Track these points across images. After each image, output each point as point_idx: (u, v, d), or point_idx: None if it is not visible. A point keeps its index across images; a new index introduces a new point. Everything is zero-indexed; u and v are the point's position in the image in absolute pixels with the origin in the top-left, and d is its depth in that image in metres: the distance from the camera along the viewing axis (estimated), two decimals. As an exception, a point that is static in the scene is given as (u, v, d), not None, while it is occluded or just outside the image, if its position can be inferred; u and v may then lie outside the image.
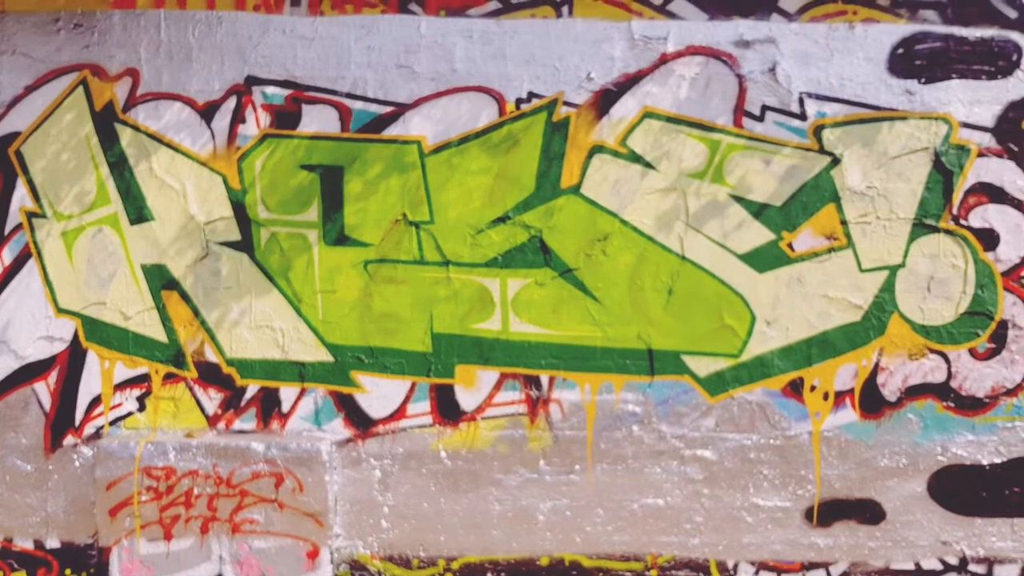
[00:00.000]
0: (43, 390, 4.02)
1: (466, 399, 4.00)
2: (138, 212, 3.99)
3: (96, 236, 4.00)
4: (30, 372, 4.01)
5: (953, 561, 3.92)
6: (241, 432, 3.99)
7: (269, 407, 4.00)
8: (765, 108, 3.92)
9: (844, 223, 3.91)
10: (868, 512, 3.95)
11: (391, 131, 3.97)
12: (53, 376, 4.01)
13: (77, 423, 4.02)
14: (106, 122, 3.98)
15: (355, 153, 3.97)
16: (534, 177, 3.95)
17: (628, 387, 3.97)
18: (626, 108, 3.93)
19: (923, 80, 3.89)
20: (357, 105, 3.97)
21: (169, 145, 3.98)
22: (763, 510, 3.97)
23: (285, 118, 3.96)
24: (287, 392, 4.01)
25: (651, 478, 3.98)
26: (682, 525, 3.98)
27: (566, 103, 3.94)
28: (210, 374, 4.01)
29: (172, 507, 3.89)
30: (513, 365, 3.99)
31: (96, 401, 4.02)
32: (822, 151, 3.91)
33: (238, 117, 3.97)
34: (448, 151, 3.96)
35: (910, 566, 3.95)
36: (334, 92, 3.96)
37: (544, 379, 3.98)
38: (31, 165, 3.98)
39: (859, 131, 3.91)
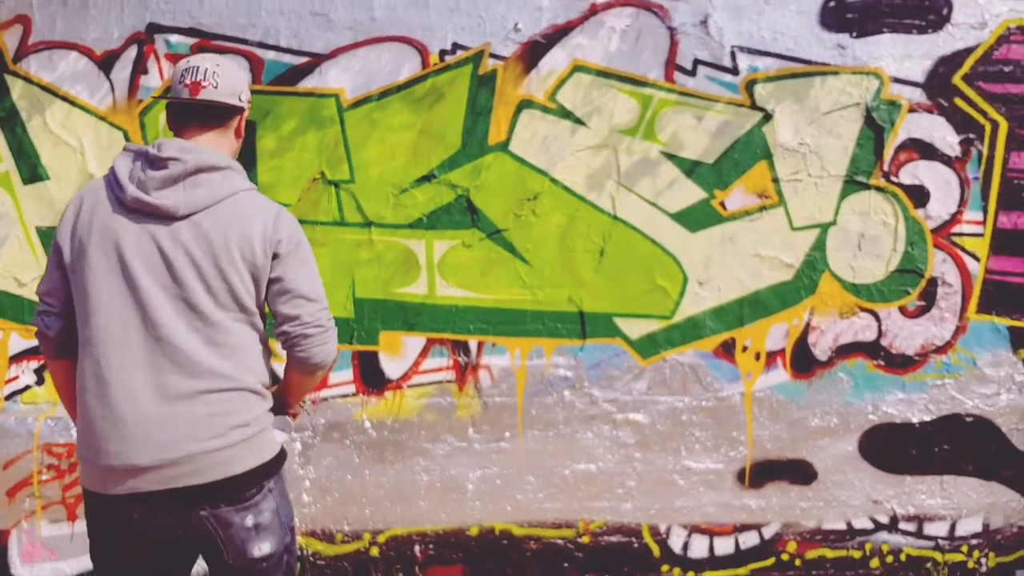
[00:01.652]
0: (-71, 364, 3.88)
1: (391, 367, 3.98)
2: (31, 171, 3.84)
3: (-15, 197, 3.85)
4: (-86, 345, 3.86)
5: (884, 520, 4.07)
6: (150, 405, 3.90)
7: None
8: (697, 62, 3.95)
9: (776, 181, 3.97)
10: (800, 472, 4.07)
11: (306, 83, 3.88)
12: (-60, 349, 3.87)
13: (-31, 399, 3.89)
14: (-7, 73, 3.82)
15: (268, 107, 3.87)
16: (460, 133, 3.92)
17: (559, 351, 4.00)
18: (555, 61, 3.92)
19: (855, 34, 3.97)
20: (269, 55, 3.86)
21: (65, 98, 3.82)
22: (695, 473, 4.05)
23: (192, 69, 3.85)
24: (199, 362, 3.93)
25: (583, 443, 4.02)
26: (614, 490, 4.04)
27: (492, 55, 3.90)
28: (115, 344, 3.91)
29: (75, 486, 3.78)
30: (440, 331, 3.97)
31: (-11, 375, 3.90)
32: (754, 107, 3.96)
33: (139, 68, 3.83)
34: (368, 105, 3.89)
35: (842, 526, 4.08)
36: (244, 41, 3.85)
37: (472, 344, 3.98)
38: (-91, 119, 3.81)
39: (791, 86, 3.98)
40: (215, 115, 2.28)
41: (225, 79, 2.30)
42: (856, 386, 4.04)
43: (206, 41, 3.82)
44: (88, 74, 3.82)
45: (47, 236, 3.84)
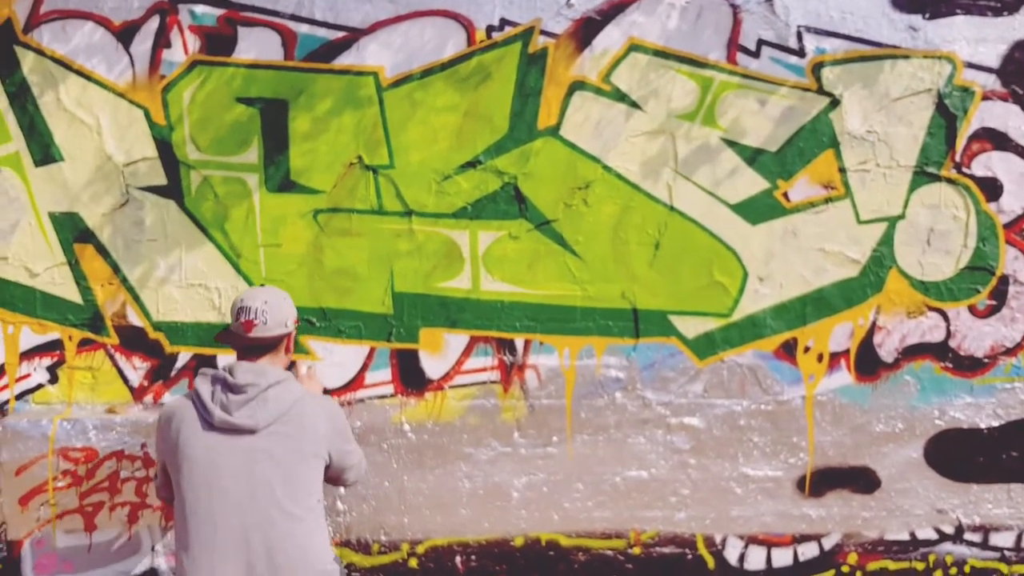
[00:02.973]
0: (-69, 361, 3.68)
1: (432, 366, 3.82)
2: (44, 151, 3.64)
3: (-7, 179, 3.65)
4: (-85, 340, 3.67)
5: (949, 530, 3.98)
6: (172, 406, 3.74)
7: (205, 377, 3.75)
8: (761, 43, 3.81)
9: (842, 171, 3.86)
10: (862, 480, 3.97)
11: (343, 60, 3.70)
12: (-57, 344, 3.67)
13: (-25, 399, 3.70)
14: (3, 44, 3.58)
15: (301, 85, 3.69)
16: (507, 116, 3.76)
17: (611, 350, 3.86)
18: (610, 39, 3.76)
19: (927, 15, 3.83)
20: (303, 29, 3.68)
21: (80, 72, 3.62)
22: (753, 480, 3.94)
23: (218, 42, 3.64)
24: (225, 359, 3.75)
25: (635, 449, 3.89)
26: (667, 498, 3.92)
27: (543, 32, 3.73)
28: (134, 340, 3.71)
29: (94, 493, 3.61)
30: (484, 328, 3.82)
31: (-2, 373, 3.71)
32: (820, 91, 3.83)
33: (162, 40, 3.64)
34: (410, 84, 3.72)
35: (905, 536, 3.99)
36: (275, 13, 3.65)
37: (519, 343, 3.83)
38: (-90, 94, 3.60)
39: (859, 70, 3.84)
40: (268, 344, 2.85)
41: (273, 315, 2.85)
42: (923, 389, 3.93)
43: (234, 12, 3.64)
44: (105, 46, 3.62)
45: (62, 223, 3.65)
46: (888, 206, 3.87)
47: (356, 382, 3.78)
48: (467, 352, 3.82)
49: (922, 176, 3.86)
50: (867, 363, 3.92)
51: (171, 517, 3.62)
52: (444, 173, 3.74)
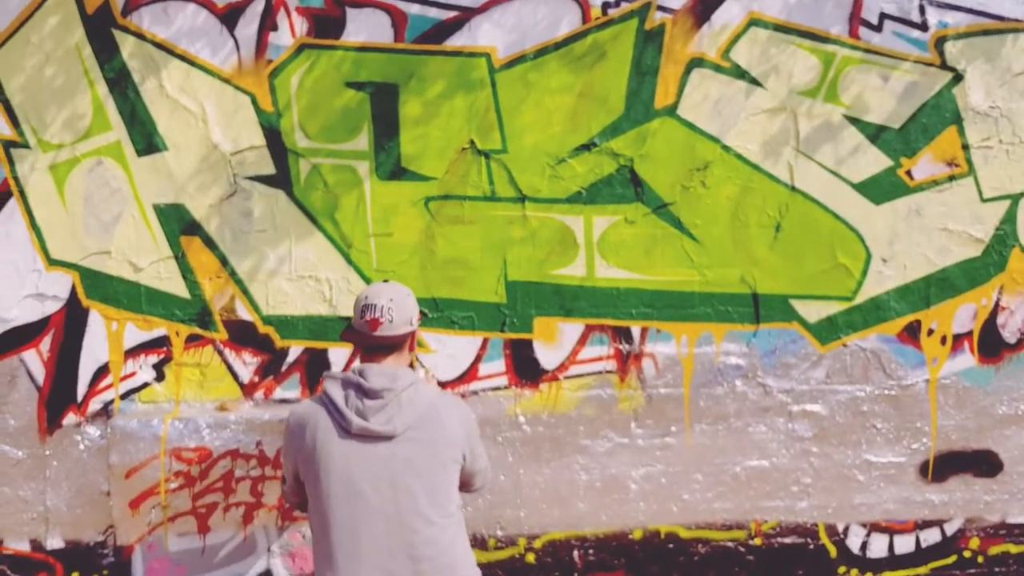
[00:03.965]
0: (34, 360, 3.59)
1: (547, 356, 3.79)
2: (147, 140, 3.57)
3: (95, 170, 3.55)
4: (17, 339, 3.56)
5: (1073, 513, 4.02)
6: (284, 402, 3.70)
7: (316, 371, 3.70)
8: (883, 16, 3.77)
9: (965, 148, 3.83)
10: (984, 464, 3.97)
11: (454, 41, 3.63)
12: (46, 342, 3.58)
13: (80, 398, 3.63)
14: (102, 28, 3.51)
15: (412, 67, 3.64)
16: (623, 96, 3.71)
17: (730, 337, 3.84)
18: (729, 14, 3.71)
19: (1052, -14, 3.82)
20: (413, 9, 3.61)
21: (183, 57, 3.55)
22: (876, 467, 3.93)
23: (326, 24, 3.58)
24: (337, 353, 3.70)
25: (755, 438, 3.88)
26: (789, 488, 3.91)
27: (660, 8, 3.68)
28: (243, 334, 3.66)
29: (207, 494, 3.58)
30: (600, 316, 3.79)
31: (102, 371, 3.62)
32: (943, 66, 3.80)
33: (268, 23, 3.57)
34: (523, 65, 3.66)
35: (1026, 520, 4.03)
36: (386, -8, 3.62)
37: (635, 331, 3.81)
38: (6, 82, 3.47)
39: (982, 44, 3.80)
40: (394, 343, 2.77)
41: (399, 312, 2.77)
42: (1045, 370, 3.95)
43: (343, -8, 3.58)
44: (209, 29, 3.55)
45: (167, 215, 3.59)
46: (1011, 183, 3.85)
47: (470, 374, 3.76)
48: (582, 341, 3.80)
49: (1045, 152, 3.84)
50: (990, 344, 3.91)
51: (288, 517, 3.61)
52: (558, 156, 3.70)
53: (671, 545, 3.89)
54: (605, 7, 3.66)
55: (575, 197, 3.73)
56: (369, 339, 2.76)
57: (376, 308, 2.76)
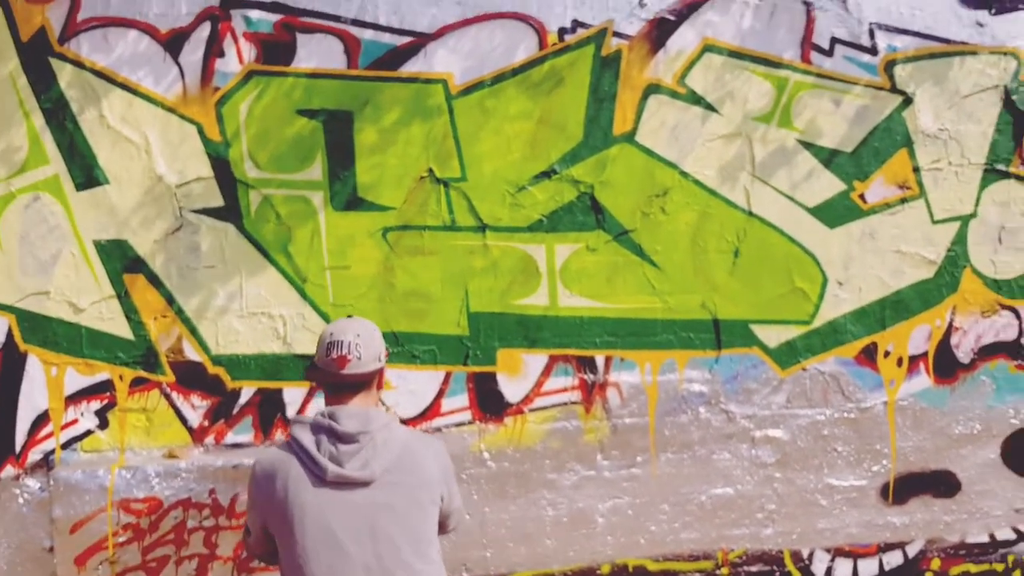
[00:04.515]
0: (-34, 409, 3.54)
1: (510, 389, 3.85)
2: (87, 174, 3.52)
3: (31, 206, 3.48)
4: (-54, 387, 3.51)
5: (1028, 529, 4.25)
6: (237, 447, 3.69)
7: (269, 413, 3.68)
8: (834, 41, 3.99)
9: (916, 170, 4.06)
10: (943, 484, 4.18)
11: (410, 67, 3.71)
12: (-21, 391, 3.53)
13: (18, 449, 3.55)
14: (37, 56, 3.44)
15: (366, 94, 3.68)
16: (582, 123, 3.82)
17: (692, 364, 3.97)
18: (684, 40, 3.85)
19: (993, 11, 4.06)
20: (366, 35, 3.66)
21: (124, 86, 3.53)
22: (838, 491, 4.10)
23: (275, 50, 3.59)
24: (291, 393, 3.70)
25: (719, 465, 4.01)
26: (754, 515, 4.05)
27: (616, 34, 3.82)
28: (192, 376, 3.62)
29: (158, 547, 3.54)
30: (564, 346, 3.88)
31: (42, 419, 3.55)
32: (893, 89, 4.03)
33: (214, 49, 3.58)
34: (480, 92, 3.75)
35: (984, 538, 4.23)
36: (336, 18, 3.62)
37: (599, 360, 3.92)
38: (-68, 114, 3.44)
39: (930, 67, 4.02)
40: (361, 381, 2.72)
41: (366, 348, 2.72)
42: (998, 389, 4.16)
43: (292, 18, 3.60)
44: (152, 57, 3.54)
45: (109, 251, 3.54)
46: (961, 204, 4.08)
47: (432, 410, 3.79)
48: (546, 372, 3.87)
49: (992, 173, 4.08)
50: (945, 365, 4.12)
51: (244, 569, 3.59)
52: (518, 184, 3.79)
53: (639, 578, 3.99)
54: (562, 33, 3.77)
55: (536, 225, 3.81)
56: (336, 377, 2.70)
57: (343, 345, 2.70)
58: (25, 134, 3.46)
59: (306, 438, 2.62)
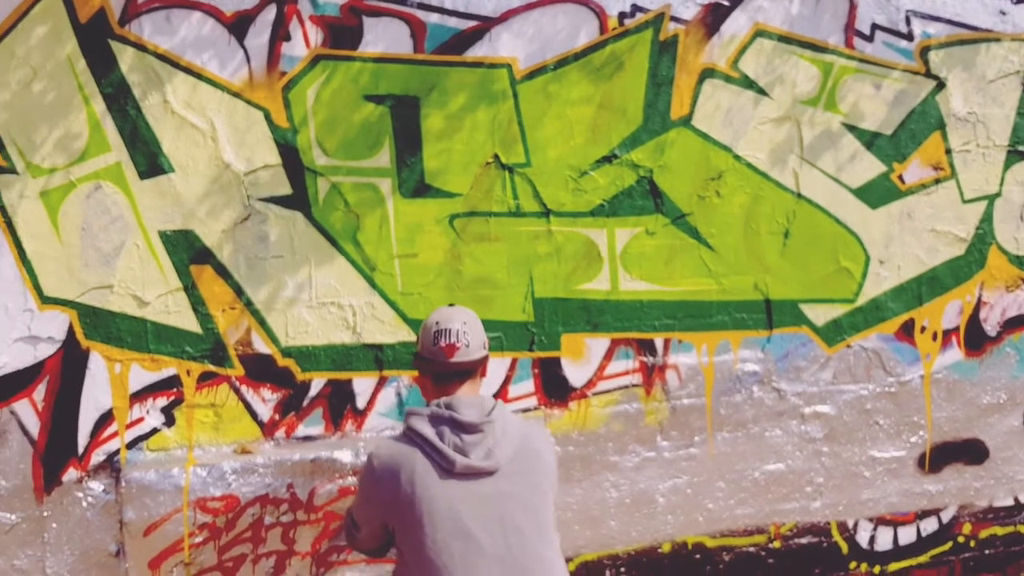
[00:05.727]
0: (27, 411, 3.33)
1: (574, 373, 3.89)
2: (150, 162, 3.40)
3: (92, 196, 3.35)
4: (6, 388, 3.28)
5: (1049, 492, 4.52)
6: (308, 439, 3.61)
7: (340, 404, 3.63)
8: (874, 27, 4.12)
9: (948, 152, 4.24)
10: (973, 452, 4.41)
11: (475, 52, 3.69)
12: (40, 390, 3.34)
13: (80, 451, 3.41)
14: (96, 39, 3.31)
15: (432, 79, 3.65)
16: (641, 107, 3.87)
17: (745, 344, 4.07)
18: (737, 25, 3.94)
19: (1014, 0, 4.29)
20: (432, 19, 3.63)
21: (188, 70, 3.41)
22: (880, 462, 4.27)
23: (342, 34, 3.54)
24: (362, 384, 3.66)
25: (771, 442, 4.13)
26: (803, 489, 4.19)
27: (673, 19, 3.87)
28: (261, 369, 3.54)
29: (235, 546, 3.45)
30: (625, 329, 3.93)
31: (105, 419, 3.42)
32: (928, 74, 4.19)
33: (280, 33, 3.48)
34: (544, 76, 3.75)
35: (1010, 502, 4.47)
36: (403, 2, 3.57)
37: (658, 343, 3.98)
38: (-15, 99, 3.26)
39: (959, 53, 4.22)
40: (468, 370, 2.73)
41: (473, 336, 2.74)
42: (1021, 360, 4.41)
43: (359, 1, 3.54)
44: (217, 40, 3.43)
45: (174, 242, 3.43)
46: (987, 185, 4.30)
47: (499, 396, 3.80)
48: (608, 356, 3.92)
49: (1014, 155, 4.30)
50: (974, 338, 4.34)
51: (323, 563, 3.53)
52: (580, 169, 3.81)
53: (698, 556, 4.08)
54: (622, 17, 3.80)
55: (598, 210, 3.85)
56: (445, 366, 2.71)
57: (451, 333, 2.71)
58: (85, 120, 3.33)
59: (427, 429, 2.61)
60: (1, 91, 3.25)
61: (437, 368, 2.72)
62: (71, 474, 3.42)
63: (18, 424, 3.35)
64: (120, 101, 3.36)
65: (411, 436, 2.63)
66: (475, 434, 2.58)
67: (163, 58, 3.39)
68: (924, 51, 4.16)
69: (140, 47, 3.36)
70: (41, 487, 3.39)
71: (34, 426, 3.36)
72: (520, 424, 2.74)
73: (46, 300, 3.34)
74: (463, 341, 2.70)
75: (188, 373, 3.50)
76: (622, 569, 4.01)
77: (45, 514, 3.39)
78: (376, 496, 2.63)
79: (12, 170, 3.28)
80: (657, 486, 4.01)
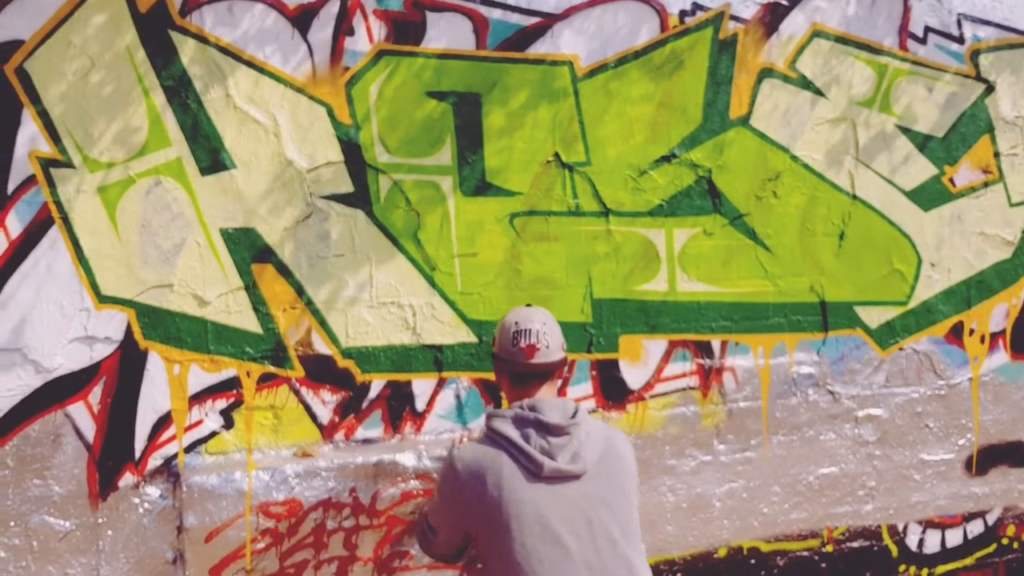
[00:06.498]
0: (82, 414, 3.19)
1: (632, 375, 3.82)
2: (212, 157, 3.28)
3: (152, 191, 3.22)
4: (61, 390, 3.15)
5: (1092, 494, 4.50)
6: (367, 442, 3.50)
7: (399, 406, 3.53)
8: (928, 29, 4.09)
9: (996, 155, 4.22)
10: (1018, 455, 4.39)
11: (536, 48, 3.61)
12: (96, 392, 3.20)
13: (137, 455, 3.28)
14: (157, 30, 3.19)
15: (494, 76, 3.56)
16: (701, 106, 3.80)
17: (801, 346, 4.02)
18: (795, 25, 3.89)
19: (1062, 4, 4.29)
20: (495, 14, 3.54)
21: (251, 64, 3.30)
22: (929, 465, 4.23)
23: (405, 29, 3.44)
24: (421, 385, 3.56)
25: (825, 445, 4.07)
26: (856, 492, 4.13)
27: (733, 17, 3.82)
28: (321, 370, 3.43)
29: (297, 551, 3.34)
30: (682, 331, 3.86)
31: (163, 422, 3.30)
32: (978, 78, 4.17)
33: (343, 27, 3.39)
34: (605, 74, 3.68)
35: (1053, 505, 4.48)
36: (466, -4, 3.52)
37: (715, 345, 3.91)
38: (43, 90, 3.08)
39: (1008, 56, 4.21)
40: (548, 371, 2.69)
41: (552, 336, 2.71)
42: (1065, 362, 4.41)
43: (424, -4, 3.45)
44: (280, 33, 3.32)
45: (236, 240, 3.31)
46: (1033, 188, 4.29)
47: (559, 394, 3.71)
48: (666, 358, 3.85)
49: (1060, 158, 4.30)
50: (1020, 341, 4.32)
51: (384, 569, 3.43)
52: (640, 168, 3.74)
53: (753, 560, 4.01)
54: (682, 15, 3.74)
55: (656, 210, 3.78)
56: (524, 367, 2.66)
57: (531, 333, 2.67)
58: (145, 113, 3.20)
59: (511, 432, 2.56)
60: (57, 82, 3.11)
61: (516, 368, 2.67)
62: (127, 479, 3.28)
63: (73, 428, 3.20)
64: (181, 94, 3.24)
65: (494, 438, 2.57)
66: (561, 436, 2.53)
67: (225, 51, 3.27)
68: (974, 54, 4.14)
69: (201, 39, 3.25)
70: (96, 493, 3.24)
71: (90, 429, 3.22)
72: (603, 427, 2.69)
73: (103, 299, 3.21)
74: (543, 342, 2.66)
75: (248, 374, 3.38)
76: (678, 574, 3.93)
77: (100, 521, 3.25)
78: (460, 500, 2.56)
79: (68, 164, 3.14)
80: (714, 490, 3.94)
